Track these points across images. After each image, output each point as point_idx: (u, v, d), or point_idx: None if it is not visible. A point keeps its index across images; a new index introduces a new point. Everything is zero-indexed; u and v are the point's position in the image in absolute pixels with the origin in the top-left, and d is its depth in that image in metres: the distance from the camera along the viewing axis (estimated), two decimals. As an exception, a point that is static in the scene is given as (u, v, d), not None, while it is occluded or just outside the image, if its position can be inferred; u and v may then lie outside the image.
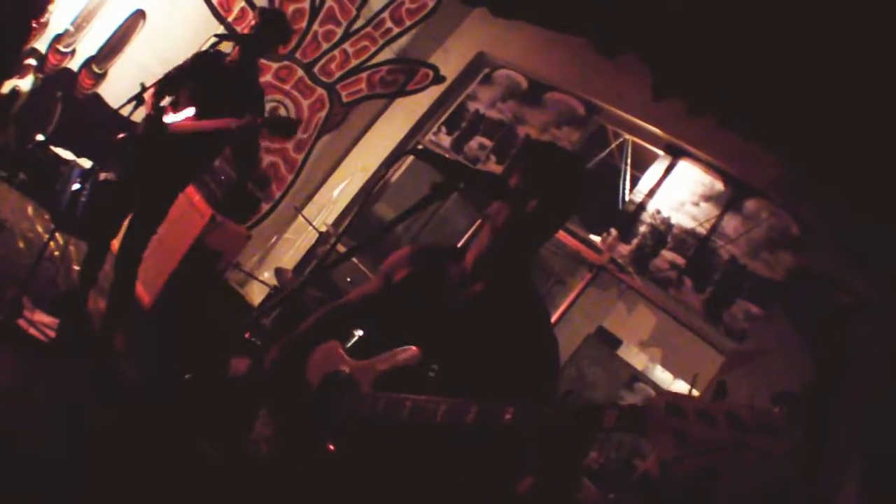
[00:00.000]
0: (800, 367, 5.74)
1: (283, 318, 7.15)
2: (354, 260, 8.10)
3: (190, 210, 7.10)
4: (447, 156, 8.56)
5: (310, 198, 9.64)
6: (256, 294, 8.83)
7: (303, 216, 8.48)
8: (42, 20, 7.70)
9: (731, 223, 6.94)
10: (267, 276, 8.88)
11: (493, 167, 8.63)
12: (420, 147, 9.26)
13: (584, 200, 2.98)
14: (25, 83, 7.39)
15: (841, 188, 6.16)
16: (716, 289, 6.76)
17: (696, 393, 6.21)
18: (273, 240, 9.57)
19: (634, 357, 9.71)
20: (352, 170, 9.64)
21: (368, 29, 9.34)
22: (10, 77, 7.12)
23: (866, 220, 6.04)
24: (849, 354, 5.64)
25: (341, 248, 7.42)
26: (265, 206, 9.36)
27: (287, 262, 9.11)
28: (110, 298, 5.96)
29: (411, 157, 9.26)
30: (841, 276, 6.03)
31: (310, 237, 9.16)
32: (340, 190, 9.50)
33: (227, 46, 6.03)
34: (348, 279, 7.44)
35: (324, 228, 8.69)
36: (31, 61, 7.67)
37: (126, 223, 5.82)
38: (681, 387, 9.01)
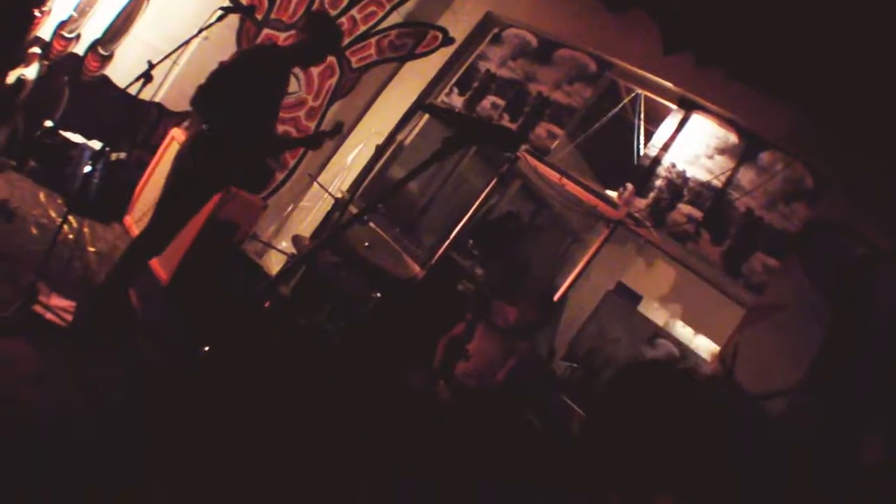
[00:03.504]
0: (818, 319, 5.72)
1: (301, 285, 7.18)
2: (372, 225, 8.11)
3: (204, 183, 7.09)
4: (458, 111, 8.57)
5: (324, 165, 9.63)
6: (274, 264, 8.84)
7: (318, 183, 8.46)
8: (44, 8, 7.70)
9: (746, 175, 6.90)
10: (285, 245, 8.89)
11: (508, 125, 8.60)
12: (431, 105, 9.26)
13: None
14: (31, 71, 7.39)
15: (854, 138, 6.10)
16: (733, 241, 6.74)
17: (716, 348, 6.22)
18: (289, 208, 9.58)
19: (655, 312, 9.70)
20: (365, 135, 9.61)
21: (375, -7, 9.31)
22: (15, 66, 7.13)
23: (880, 170, 5.99)
24: (866, 305, 5.61)
25: (355, 211, 7.39)
26: (280, 176, 9.37)
27: (304, 230, 9.13)
28: (116, 273, 5.91)
29: (423, 119, 9.25)
30: (856, 226, 6.00)
31: (326, 204, 9.16)
32: (354, 155, 9.49)
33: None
34: (366, 244, 7.43)
35: (339, 195, 8.68)
36: (36, 49, 7.67)
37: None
38: (702, 342, 9.01)
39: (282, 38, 9.21)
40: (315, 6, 9.27)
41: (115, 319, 5.69)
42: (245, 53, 5.88)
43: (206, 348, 5.27)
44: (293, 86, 9.30)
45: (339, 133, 6.55)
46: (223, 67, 5.64)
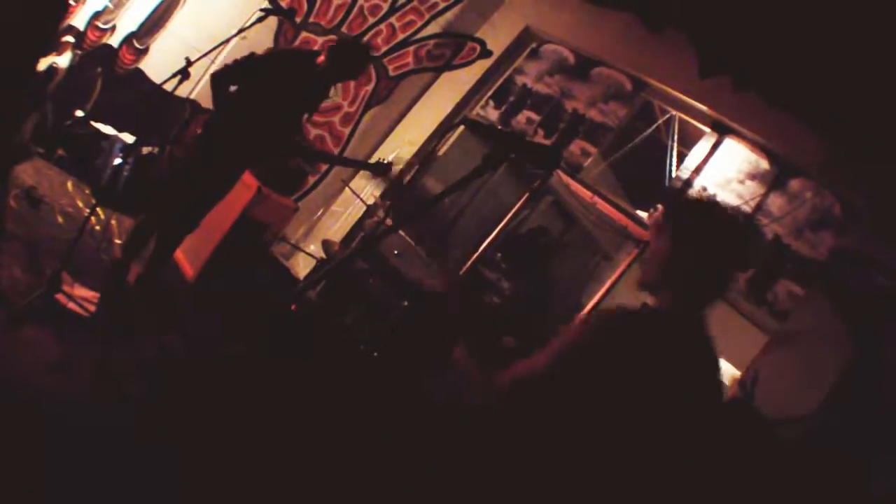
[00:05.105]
0: (840, 347, 5.71)
1: (330, 290, 7.22)
2: (401, 233, 8.14)
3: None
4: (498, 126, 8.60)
5: (357, 170, 9.68)
6: (302, 266, 8.88)
7: (350, 188, 8.50)
8: (78, -3, 7.81)
9: (775, 202, 6.90)
10: (313, 248, 8.92)
11: (542, 141, 8.62)
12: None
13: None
14: (63, 60, 7.45)
15: (884, 169, 6.09)
16: (760, 268, 6.74)
17: (737, 373, 6.22)
18: (320, 212, 9.62)
19: (679, 334, 9.65)
20: (399, 143, 9.65)
21: (415, 3, 9.33)
22: (46, 54, 7.19)
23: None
24: (887, 335, 5.60)
25: (389, 222, 7.43)
26: (312, 179, 9.42)
27: (334, 235, 9.15)
28: (150, 267, 5.99)
29: (458, 131, 9.27)
30: (880, 257, 5.99)
31: (357, 209, 9.19)
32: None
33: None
34: (395, 252, 7.45)
35: (371, 201, 8.71)
36: (69, 38, 7.73)
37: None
38: (722, 366, 8.97)
39: (320, 42, 9.28)
40: (353, 13, 9.33)
41: (142, 311, 5.76)
42: (281, 53, 5.93)
43: (234, 346, 5.34)
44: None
45: (383, 173, 6.66)
46: (252, 56, 5.72)
